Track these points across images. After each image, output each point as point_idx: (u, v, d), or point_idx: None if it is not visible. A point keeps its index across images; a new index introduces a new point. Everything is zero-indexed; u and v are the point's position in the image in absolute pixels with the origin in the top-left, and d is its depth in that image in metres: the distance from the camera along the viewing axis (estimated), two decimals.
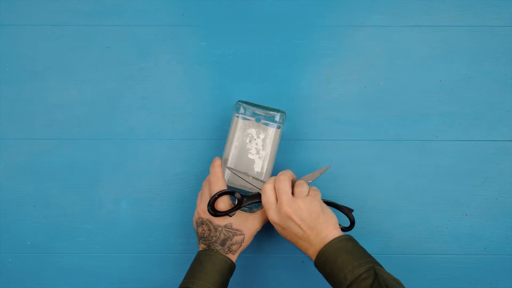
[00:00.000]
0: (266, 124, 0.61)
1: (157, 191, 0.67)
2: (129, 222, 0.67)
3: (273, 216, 0.57)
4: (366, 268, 0.52)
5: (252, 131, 0.61)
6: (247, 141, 0.61)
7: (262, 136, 0.61)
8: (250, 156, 0.61)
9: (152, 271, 0.67)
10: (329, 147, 0.66)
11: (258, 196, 0.59)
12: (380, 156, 0.67)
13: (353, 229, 0.60)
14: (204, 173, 0.66)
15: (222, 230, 0.59)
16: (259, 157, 0.61)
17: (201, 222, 0.60)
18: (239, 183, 0.62)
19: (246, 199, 0.59)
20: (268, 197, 0.57)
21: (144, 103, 0.67)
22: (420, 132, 0.66)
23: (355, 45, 0.67)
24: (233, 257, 0.59)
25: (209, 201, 0.57)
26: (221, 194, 0.58)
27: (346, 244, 0.54)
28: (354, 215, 0.61)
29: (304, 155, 0.66)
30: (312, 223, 0.55)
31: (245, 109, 0.61)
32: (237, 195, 0.58)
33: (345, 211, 0.60)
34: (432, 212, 0.66)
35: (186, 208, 0.67)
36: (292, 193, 0.57)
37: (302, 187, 0.57)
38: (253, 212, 0.61)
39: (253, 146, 0.61)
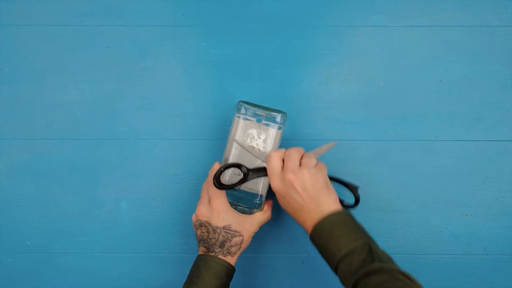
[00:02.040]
0: (267, 125, 0.61)
1: (157, 191, 0.67)
2: (129, 222, 0.67)
3: (276, 183, 0.56)
4: (361, 243, 0.52)
5: (253, 131, 0.61)
6: (248, 141, 0.61)
7: (263, 136, 0.61)
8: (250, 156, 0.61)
9: (152, 271, 0.67)
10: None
11: (264, 170, 0.58)
12: (381, 156, 0.67)
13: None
14: (204, 174, 0.65)
15: (221, 231, 0.58)
16: None
17: (200, 224, 0.60)
18: (224, 166, 0.60)
19: (252, 173, 0.58)
20: (273, 163, 0.56)
21: (144, 103, 0.67)
22: (420, 132, 0.67)
23: (355, 45, 0.67)
24: (232, 260, 0.59)
25: (215, 174, 0.57)
26: (227, 167, 0.58)
27: (344, 218, 0.54)
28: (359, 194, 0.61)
29: None
30: (314, 193, 0.55)
31: (246, 109, 0.61)
32: (243, 168, 0.58)
33: (351, 187, 0.60)
34: (432, 212, 0.67)
35: (186, 208, 0.67)
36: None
37: (310, 159, 0.57)
38: (252, 213, 0.61)
39: (254, 147, 0.61)
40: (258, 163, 0.60)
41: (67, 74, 0.66)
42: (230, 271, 0.58)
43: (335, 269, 0.52)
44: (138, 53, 0.66)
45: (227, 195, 0.61)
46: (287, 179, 0.55)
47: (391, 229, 0.65)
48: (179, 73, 0.66)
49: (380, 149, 0.66)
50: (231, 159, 0.61)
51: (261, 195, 0.61)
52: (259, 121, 0.60)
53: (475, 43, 0.66)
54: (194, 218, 0.60)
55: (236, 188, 0.59)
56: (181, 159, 0.66)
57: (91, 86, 0.66)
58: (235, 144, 0.60)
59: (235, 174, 0.61)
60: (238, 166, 0.58)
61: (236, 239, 0.58)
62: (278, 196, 0.57)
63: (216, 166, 0.61)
